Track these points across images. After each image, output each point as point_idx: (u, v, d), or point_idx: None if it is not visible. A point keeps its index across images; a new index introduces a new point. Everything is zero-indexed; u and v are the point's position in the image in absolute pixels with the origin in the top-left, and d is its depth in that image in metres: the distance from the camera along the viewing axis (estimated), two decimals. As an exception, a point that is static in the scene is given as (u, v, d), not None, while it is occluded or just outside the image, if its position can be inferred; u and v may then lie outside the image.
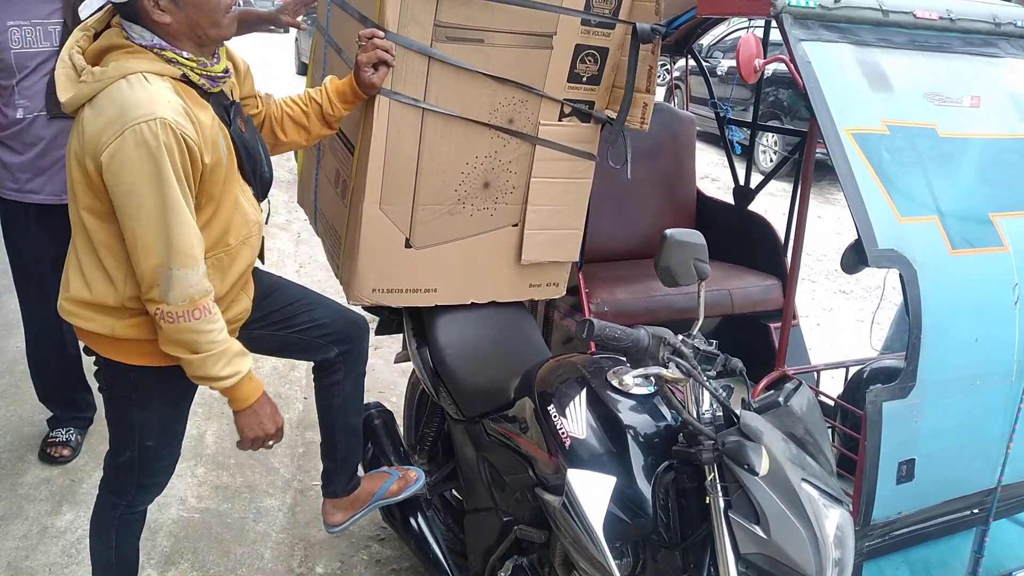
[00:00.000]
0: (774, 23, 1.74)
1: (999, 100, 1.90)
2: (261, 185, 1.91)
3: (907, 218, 1.61)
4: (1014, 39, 2.01)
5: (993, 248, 1.70)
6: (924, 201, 1.67)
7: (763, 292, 2.77)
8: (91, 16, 1.65)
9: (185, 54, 1.61)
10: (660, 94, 12.14)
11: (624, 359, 1.57)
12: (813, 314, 5.17)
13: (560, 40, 2.03)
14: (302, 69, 14.99)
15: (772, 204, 5.20)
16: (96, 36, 1.65)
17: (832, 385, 2.81)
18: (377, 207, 2.07)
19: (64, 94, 1.58)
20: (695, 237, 1.43)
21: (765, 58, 1.65)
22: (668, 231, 1.43)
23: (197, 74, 1.63)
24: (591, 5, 2.00)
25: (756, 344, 2.82)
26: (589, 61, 2.09)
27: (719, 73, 9.45)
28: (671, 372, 1.39)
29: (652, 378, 1.46)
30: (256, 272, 1.99)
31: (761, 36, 2.73)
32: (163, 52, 1.59)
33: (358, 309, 2.31)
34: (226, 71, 1.73)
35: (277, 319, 2.04)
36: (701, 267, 1.41)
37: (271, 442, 1.83)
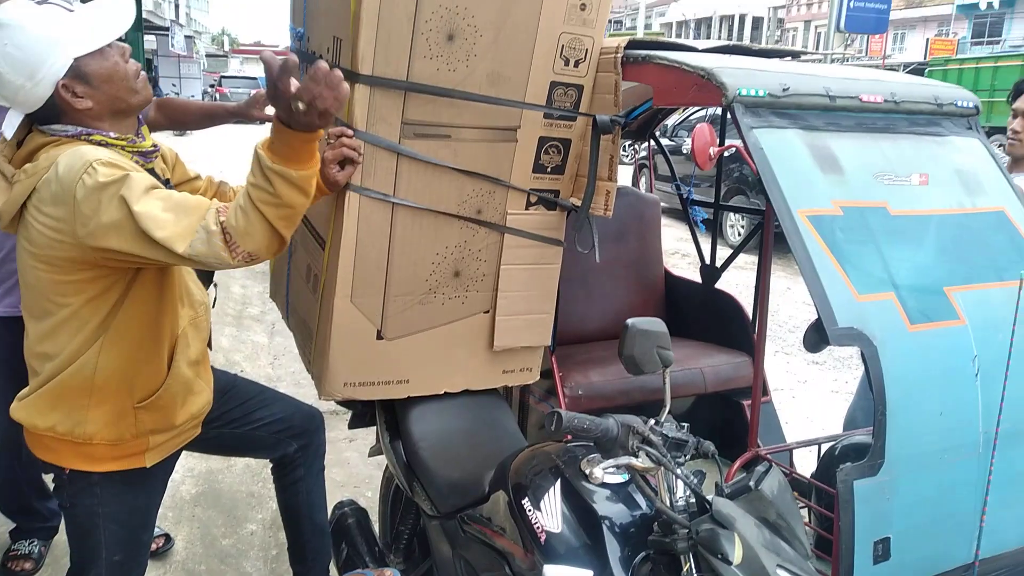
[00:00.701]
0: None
1: (946, 177, 1.98)
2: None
3: (865, 296, 1.65)
4: (956, 118, 2.10)
5: (950, 322, 1.74)
6: (880, 278, 1.71)
7: (734, 369, 2.79)
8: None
9: (112, 134, 1.64)
10: (628, 172, 12.47)
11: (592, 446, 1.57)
12: (788, 387, 5.19)
13: (524, 133, 2.10)
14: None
15: (742, 277, 5.29)
16: (20, 143, 1.66)
17: (809, 460, 2.82)
18: (348, 300, 2.09)
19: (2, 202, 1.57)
20: (656, 325, 1.45)
21: (720, 145, 1.71)
22: (629, 321, 1.45)
23: (128, 152, 1.66)
24: (552, 99, 2.08)
25: (731, 422, 2.82)
26: (553, 152, 2.16)
27: (684, 151, 9.73)
28: (641, 461, 1.39)
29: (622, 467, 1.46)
30: (212, 370, 1.98)
31: (719, 121, 2.85)
32: (91, 137, 1.61)
33: (320, 403, 2.29)
34: (155, 147, 1.76)
35: (235, 416, 2.03)
36: (664, 354, 1.43)
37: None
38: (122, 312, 1.66)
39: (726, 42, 2.25)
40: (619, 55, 2.01)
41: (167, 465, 1.88)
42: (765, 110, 1.76)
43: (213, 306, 2.03)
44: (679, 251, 8.43)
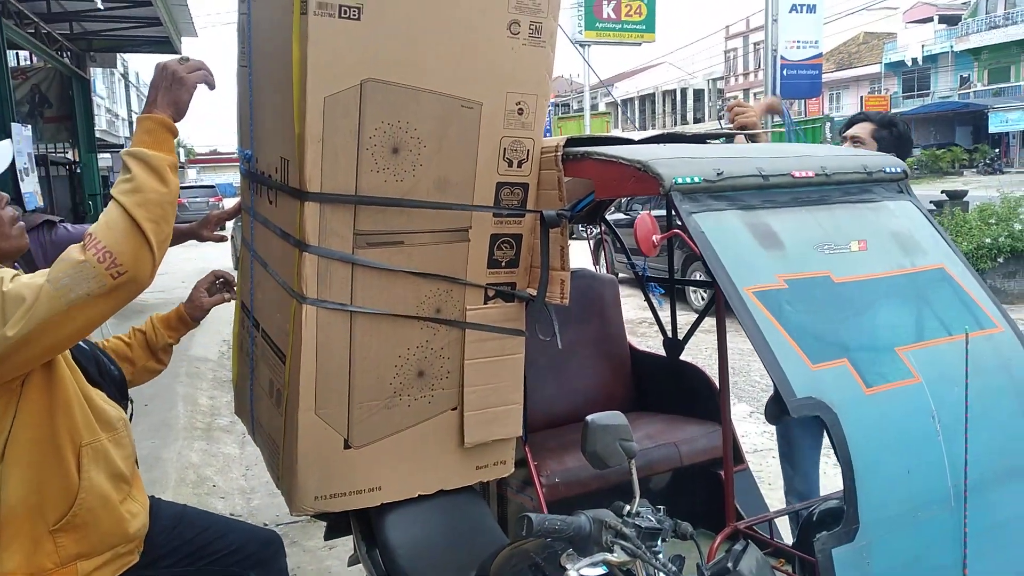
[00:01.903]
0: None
1: (884, 240, 2.06)
2: (114, 385, 1.91)
3: (819, 364, 1.69)
4: (886, 183, 2.20)
5: (905, 381, 1.78)
6: (832, 345, 1.76)
7: (708, 440, 2.80)
8: None
9: None
10: (587, 249, 12.63)
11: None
12: (767, 447, 5.19)
13: (476, 232, 2.15)
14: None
15: (711, 340, 5.35)
16: None
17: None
18: (313, 412, 2.08)
19: None
20: (616, 419, 1.47)
21: (662, 232, 1.77)
22: (589, 417, 1.47)
23: None
24: (500, 199, 2.14)
25: (711, 493, 2.81)
26: (505, 247, 2.21)
27: (641, 223, 9.94)
28: (617, 556, 1.38)
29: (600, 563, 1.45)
30: (158, 503, 1.93)
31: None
32: None
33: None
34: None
35: (189, 551, 1.96)
36: (627, 446, 1.44)
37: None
38: (13, 436, 1.61)
39: (661, 131, 2.35)
40: (559, 153, 2.09)
41: None
42: (702, 195, 1.83)
43: (131, 419, 1.98)
44: (646, 319, 8.49)
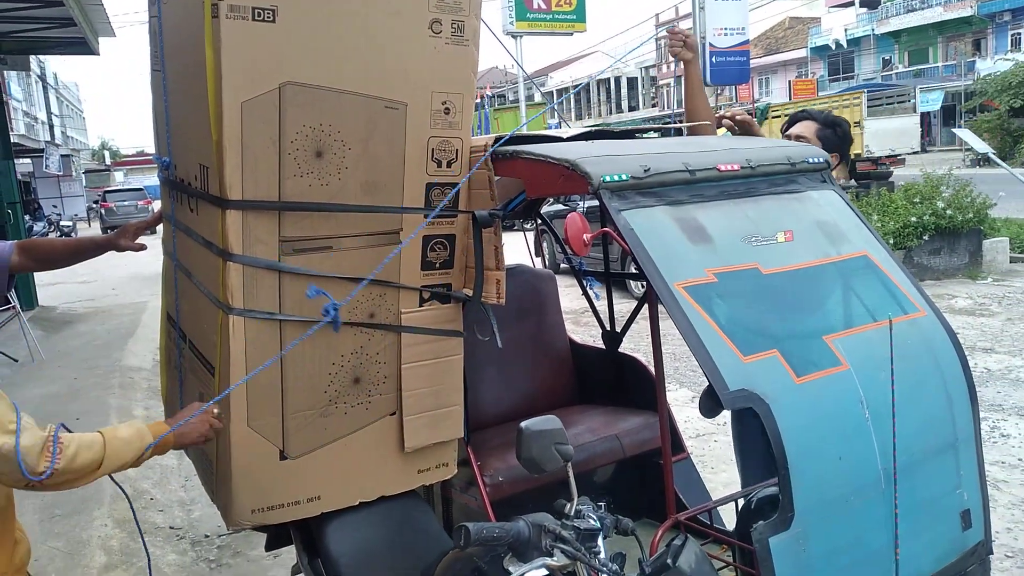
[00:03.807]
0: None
1: (809, 230, 2.10)
2: None
3: (750, 356, 1.71)
4: (809, 173, 2.24)
5: (834, 368, 1.82)
6: (762, 337, 1.78)
7: (649, 430, 2.82)
8: None
9: None
10: (527, 241, 12.65)
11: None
12: (709, 432, 5.28)
13: (407, 235, 2.11)
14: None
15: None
16: None
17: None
18: (245, 424, 2.03)
19: None
20: (550, 423, 1.47)
21: (592, 231, 1.77)
22: (523, 424, 1.46)
23: None
24: (431, 200, 2.11)
25: (655, 483, 2.84)
26: (439, 248, 2.18)
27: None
28: (557, 560, 1.37)
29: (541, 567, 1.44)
30: None
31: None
32: None
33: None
34: None
35: None
36: (563, 450, 1.44)
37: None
38: None
39: (589, 127, 2.35)
40: (488, 152, 2.07)
41: None
42: (630, 192, 1.83)
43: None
44: (588, 310, 8.57)
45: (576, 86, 21.71)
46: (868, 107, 18.02)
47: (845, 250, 2.10)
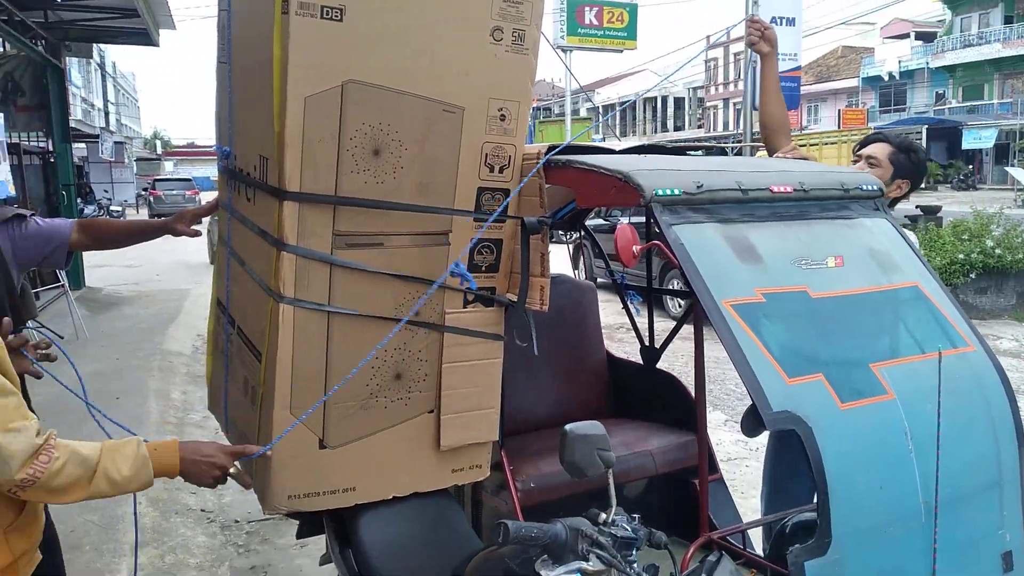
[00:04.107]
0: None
1: (860, 257, 2.08)
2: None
3: (795, 379, 1.70)
4: (863, 200, 2.22)
5: (879, 397, 1.80)
6: (808, 360, 1.77)
7: (683, 449, 2.81)
8: None
9: None
10: (565, 254, 12.65)
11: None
12: (741, 456, 5.23)
13: (456, 236, 2.14)
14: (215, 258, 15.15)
15: (688, 347, 5.38)
16: None
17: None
18: (288, 412, 2.06)
19: None
20: (595, 428, 1.47)
21: (645, 241, 1.78)
22: (567, 427, 1.47)
23: None
24: (481, 204, 2.14)
25: (684, 502, 2.83)
26: (486, 252, 2.21)
27: (620, 229, 9.97)
28: (592, 565, 1.38)
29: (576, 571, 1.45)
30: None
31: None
32: None
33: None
34: None
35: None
36: (605, 456, 1.45)
37: (228, 475, 1.86)
38: None
39: (644, 141, 2.36)
40: (541, 160, 2.09)
41: None
42: (682, 207, 1.84)
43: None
44: (623, 325, 8.52)
45: (624, 102, 21.68)
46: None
47: (896, 279, 2.07)
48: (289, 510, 2.18)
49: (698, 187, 1.84)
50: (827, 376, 1.76)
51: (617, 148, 2.25)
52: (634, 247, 1.72)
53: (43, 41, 10.48)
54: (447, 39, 1.98)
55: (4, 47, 11.26)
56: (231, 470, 1.85)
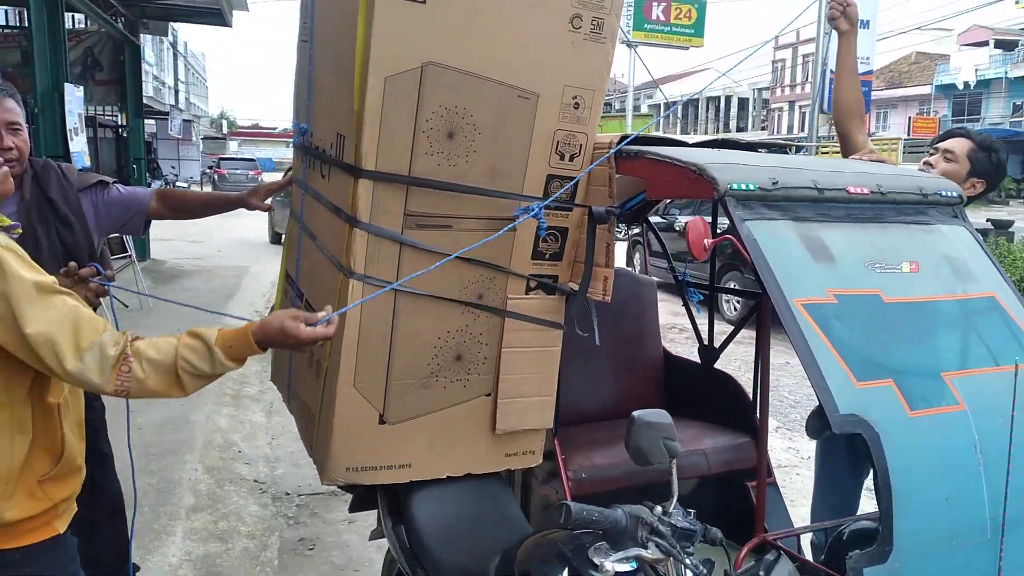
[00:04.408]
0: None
1: (936, 264, 2.03)
2: None
3: (864, 383, 1.68)
4: (941, 207, 2.17)
5: (950, 407, 1.76)
6: (878, 365, 1.74)
7: (737, 451, 2.78)
8: None
9: None
10: (622, 249, 12.55)
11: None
12: (791, 464, 5.15)
13: (523, 223, 2.15)
14: (275, 239, 15.49)
15: (740, 351, 5.31)
16: None
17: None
18: (351, 385, 2.11)
19: None
20: (662, 417, 1.47)
21: (713, 237, 1.76)
22: (635, 413, 1.47)
23: None
24: (549, 191, 2.15)
25: (735, 504, 2.80)
26: (551, 240, 2.21)
27: (677, 229, 9.88)
28: (651, 552, 1.38)
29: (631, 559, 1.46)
30: None
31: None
32: None
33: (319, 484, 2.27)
34: (13, 224, 1.76)
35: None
36: (671, 445, 1.45)
37: (318, 342, 1.77)
38: (23, 395, 1.68)
39: (715, 136, 2.34)
40: (612, 150, 2.09)
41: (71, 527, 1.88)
42: (756, 203, 1.82)
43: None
44: (676, 326, 8.46)
45: (686, 97, 21.38)
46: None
47: (972, 289, 2.02)
48: (346, 482, 2.22)
49: (773, 183, 1.82)
50: (897, 382, 1.73)
51: (690, 141, 2.23)
52: (705, 240, 1.71)
53: (122, 18, 10.81)
54: (526, 25, 1.99)
55: (86, 23, 11.65)
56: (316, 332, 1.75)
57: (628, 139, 2.12)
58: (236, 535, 3.84)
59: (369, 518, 3.63)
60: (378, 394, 2.14)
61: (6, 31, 10.78)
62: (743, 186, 1.80)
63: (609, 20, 2.09)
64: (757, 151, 2.48)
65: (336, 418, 2.11)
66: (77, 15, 11.36)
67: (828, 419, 1.59)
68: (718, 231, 2.88)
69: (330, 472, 2.17)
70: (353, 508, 2.66)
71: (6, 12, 11.10)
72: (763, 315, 1.93)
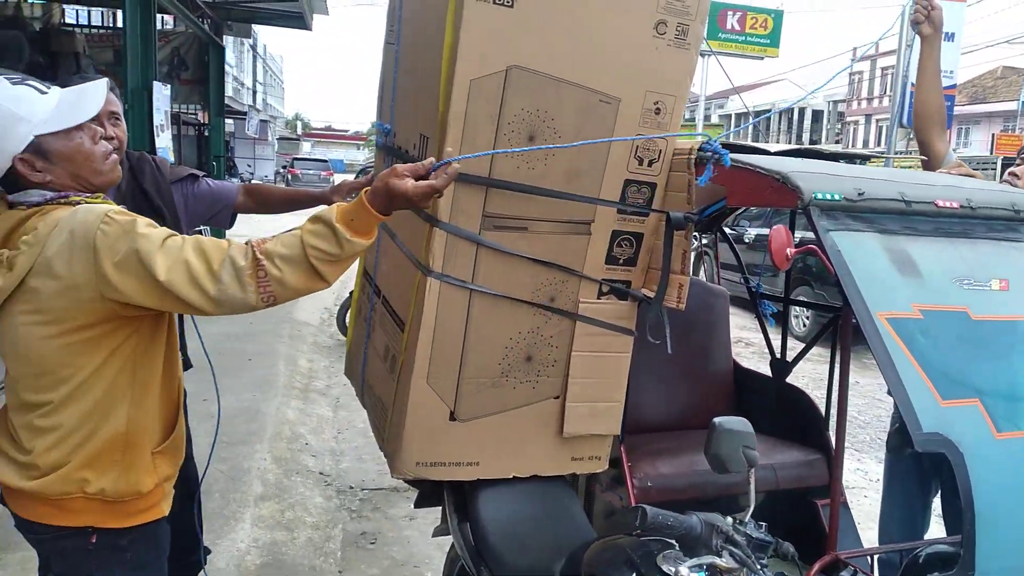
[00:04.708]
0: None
1: (1028, 282, 1.96)
2: None
3: (949, 401, 1.63)
4: (1035, 224, 2.09)
5: (1039, 430, 1.70)
6: (964, 384, 1.69)
7: (807, 468, 2.73)
8: None
9: (86, 195, 1.70)
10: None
11: (673, 542, 1.56)
12: (859, 486, 5.01)
13: (598, 227, 2.16)
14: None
15: (807, 368, 5.19)
16: None
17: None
18: (425, 381, 2.15)
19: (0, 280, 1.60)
20: (743, 425, 1.46)
21: (795, 247, 1.74)
22: (716, 419, 1.46)
23: None
24: (626, 196, 2.15)
25: (803, 521, 2.74)
26: (625, 245, 2.22)
27: (746, 240, 9.72)
28: (725, 561, 1.37)
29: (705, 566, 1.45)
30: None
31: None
32: (70, 199, 1.67)
33: (383, 480, 2.31)
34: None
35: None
36: (750, 454, 1.43)
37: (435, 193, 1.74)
38: (145, 359, 1.72)
39: (797, 145, 2.31)
40: (693, 156, 2.08)
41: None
42: (840, 213, 1.79)
43: None
44: (741, 339, 8.33)
45: (780, 105, 21.02)
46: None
47: (1067, 310, 1.94)
48: (415, 477, 2.26)
49: (859, 194, 1.79)
50: (984, 402, 1.67)
51: (772, 149, 2.20)
52: (788, 250, 1.69)
53: (208, 20, 11.21)
54: (610, 30, 2.00)
55: (174, 24, 12.13)
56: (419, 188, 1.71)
57: (710, 143, 2.11)
58: (301, 525, 3.94)
59: (429, 516, 3.68)
60: (450, 391, 2.17)
61: (100, 31, 11.30)
62: (828, 196, 1.77)
63: (694, 26, 2.08)
64: (839, 161, 2.43)
65: (409, 413, 2.15)
66: (166, 16, 11.83)
67: (910, 436, 1.55)
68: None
69: (400, 466, 2.21)
70: (419, 504, 2.70)
71: (101, 14, 11.62)
72: (844, 328, 1.89)
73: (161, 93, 8.19)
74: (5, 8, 10.03)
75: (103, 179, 1.75)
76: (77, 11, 10.99)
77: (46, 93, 1.67)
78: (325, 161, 33.86)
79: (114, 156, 1.79)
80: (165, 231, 1.63)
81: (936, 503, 2.99)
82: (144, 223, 1.62)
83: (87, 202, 1.69)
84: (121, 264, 1.56)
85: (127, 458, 1.72)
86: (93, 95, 1.72)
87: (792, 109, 49.89)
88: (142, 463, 1.74)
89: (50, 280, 1.58)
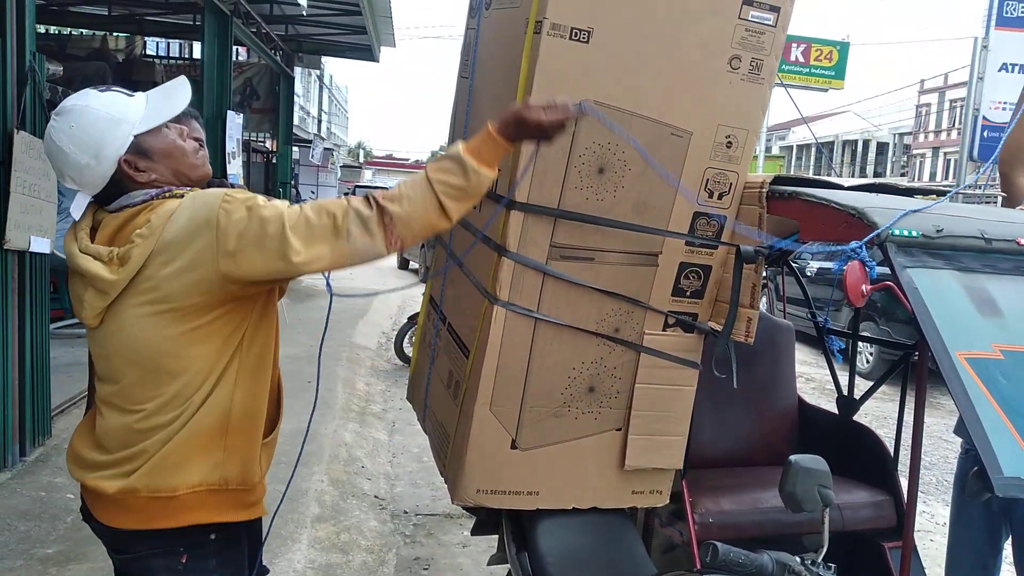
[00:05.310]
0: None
1: (1115, 325, 1.89)
2: None
3: (1032, 445, 1.57)
4: (1123, 264, 2.01)
5: None
6: (1048, 428, 1.63)
7: (875, 509, 2.65)
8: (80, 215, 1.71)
9: (187, 189, 1.71)
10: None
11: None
12: (926, 529, 4.83)
13: (665, 259, 2.16)
14: (403, 264, 15.96)
15: (869, 406, 5.04)
16: (93, 231, 1.69)
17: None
18: (488, 408, 2.16)
19: (112, 275, 1.58)
20: (820, 464, 1.44)
21: (871, 283, 1.72)
22: (793, 457, 1.44)
23: None
24: (695, 228, 2.15)
25: (868, 563, 2.66)
26: (692, 277, 2.21)
27: (808, 274, 9.53)
28: (795, 601, 1.35)
29: (773, 605, 1.42)
30: None
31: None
32: (175, 192, 1.68)
33: (438, 507, 2.32)
34: None
35: None
36: (825, 494, 1.41)
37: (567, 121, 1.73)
38: (254, 348, 1.71)
39: (872, 180, 2.28)
40: (764, 190, 2.07)
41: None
42: (918, 250, 1.76)
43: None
44: (801, 375, 8.13)
45: (824, 142, 20.74)
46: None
47: None
48: (475, 504, 2.27)
49: (937, 231, 1.75)
50: (1070, 449, 1.61)
51: (845, 183, 2.18)
52: (863, 286, 1.67)
53: (281, 52, 11.62)
54: (684, 65, 2.02)
55: (248, 55, 12.60)
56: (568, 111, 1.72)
57: (780, 180, 2.10)
58: (356, 548, 3.97)
59: (483, 544, 3.67)
60: (512, 419, 2.18)
61: (178, 62, 11.80)
62: (905, 232, 1.75)
63: (768, 61, 2.08)
64: (913, 197, 2.39)
65: (471, 440, 2.17)
66: (240, 48, 12.30)
67: (990, 481, 1.50)
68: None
69: (461, 492, 2.23)
70: (475, 531, 2.70)
71: (179, 45, 12.16)
72: (920, 368, 1.84)
73: (234, 122, 8.50)
74: (92, 41, 10.57)
75: (199, 172, 1.79)
76: (157, 43, 11.54)
77: (132, 96, 1.72)
78: (386, 188, 34.44)
79: (203, 151, 1.82)
80: (284, 202, 1.66)
81: (1007, 550, 2.87)
82: (262, 198, 1.64)
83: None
84: (246, 237, 1.57)
85: (237, 444, 1.69)
86: (179, 91, 1.76)
87: (856, 141, 48.99)
88: (252, 453, 1.72)
89: (170, 263, 1.56)
